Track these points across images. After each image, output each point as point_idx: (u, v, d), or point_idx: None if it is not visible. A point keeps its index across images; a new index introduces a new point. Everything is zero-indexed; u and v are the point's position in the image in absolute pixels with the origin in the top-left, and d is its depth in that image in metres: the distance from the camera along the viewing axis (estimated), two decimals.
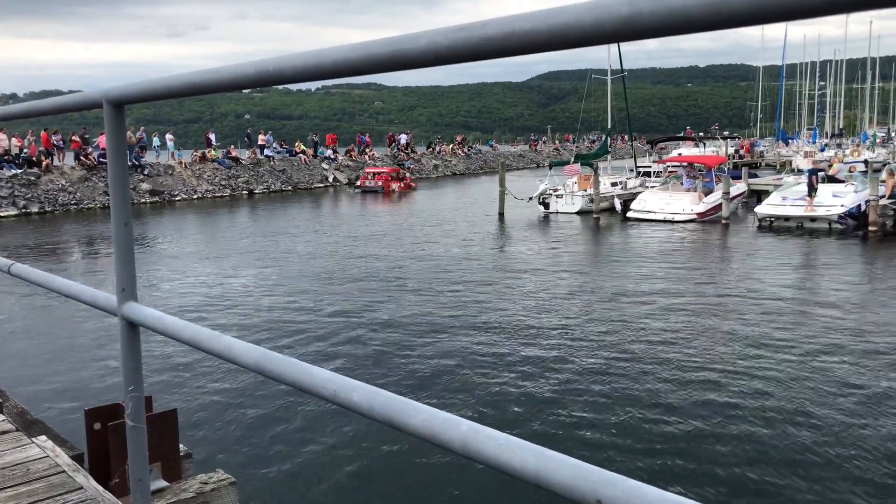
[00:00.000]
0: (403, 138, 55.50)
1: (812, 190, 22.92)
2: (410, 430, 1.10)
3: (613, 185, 29.95)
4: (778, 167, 48.47)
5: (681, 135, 52.83)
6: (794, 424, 7.34)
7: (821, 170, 24.31)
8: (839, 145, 56.14)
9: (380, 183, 39.95)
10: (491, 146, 72.64)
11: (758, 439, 7.02)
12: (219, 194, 37.65)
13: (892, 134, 63.44)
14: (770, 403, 7.90)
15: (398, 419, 1.12)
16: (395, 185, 40.13)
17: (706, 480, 6.30)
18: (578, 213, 27.68)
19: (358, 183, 41.71)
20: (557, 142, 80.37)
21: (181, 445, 3.12)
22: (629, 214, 26.37)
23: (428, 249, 19.18)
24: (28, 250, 19.90)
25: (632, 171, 33.47)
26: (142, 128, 39.37)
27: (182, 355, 9.55)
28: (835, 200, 22.95)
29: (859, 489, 6.08)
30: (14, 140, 32.05)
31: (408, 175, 43.59)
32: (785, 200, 23.93)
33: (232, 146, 43.04)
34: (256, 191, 39.63)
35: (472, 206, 31.30)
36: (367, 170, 42.95)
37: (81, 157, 33.57)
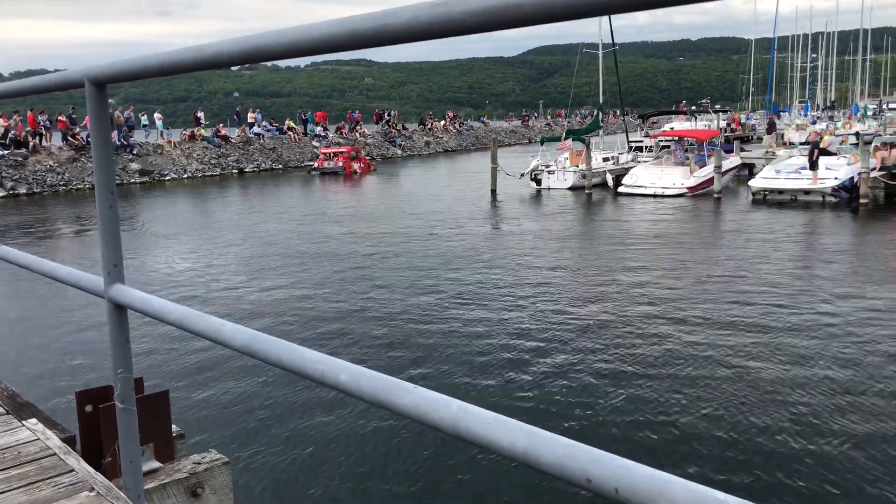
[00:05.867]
0: (387, 115, 54.84)
1: (813, 163, 22.81)
2: (400, 409, 1.09)
3: (605, 160, 29.89)
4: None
5: (673, 109, 52.68)
6: (785, 399, 7.40)
7: (817, 143, 24.25)
8: (831, 118, 56.08)
9: (340, 163, 36.57)
10: (483, 122, 72.25)
11: (748, 414, 7.08)
12: (209, 173, 37.43)
13: (884, 106, 63.39)
14: (762, 376, 7.95)
15: (387, 399, 1.11)
16: (355, 166, 36.85)
17: (696, 458, 6.35)
18: (570, 188, 27.64)
19: (315, 164, 38.06)
20: (549, 117, 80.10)
21: (174, 426, 3.11)
22: (620, 189, 26.35)
23: (417, 227, 19.15)
24: (16, 232, 19.76)
25: (624, 146, 33.42)
26: (130, 107, 39.00)
27: (175, 336, 9.53)
28: (828, 173, 22.98)
29: (862, 470, 6.14)
30: (0, 120, 31.72)
31: (365, 154, 40.15)
32: (778, 174, 23.96)
33: (221, 125, 42.62)
34: (247, 169, 39.40)
35: (462, 182, 31.19)
36: (324, 150, 39.32)
37: (69, 138, 33.26)
